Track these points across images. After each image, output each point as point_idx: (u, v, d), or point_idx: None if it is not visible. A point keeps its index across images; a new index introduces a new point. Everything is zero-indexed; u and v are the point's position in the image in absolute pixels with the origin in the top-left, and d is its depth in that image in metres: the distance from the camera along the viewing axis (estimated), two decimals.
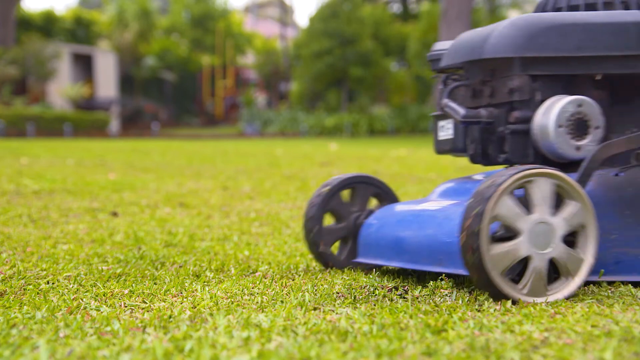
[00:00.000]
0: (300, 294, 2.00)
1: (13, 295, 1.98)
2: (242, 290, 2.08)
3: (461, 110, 2.22)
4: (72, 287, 2.11)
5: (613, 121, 2.28)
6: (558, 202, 1.97)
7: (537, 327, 1.62)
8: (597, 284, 2.10)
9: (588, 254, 1.98)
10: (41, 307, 1.82)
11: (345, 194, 2.55)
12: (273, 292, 2.06)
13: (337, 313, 1.77)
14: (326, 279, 2.27)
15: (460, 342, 1.50)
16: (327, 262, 2.49)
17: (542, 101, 2.17)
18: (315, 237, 2.46)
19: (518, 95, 2.17)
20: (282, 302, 1.91)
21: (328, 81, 30.04)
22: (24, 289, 2.07)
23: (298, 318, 1.71)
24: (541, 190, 1.91)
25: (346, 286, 2.13)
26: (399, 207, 2.43)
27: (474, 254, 1.84)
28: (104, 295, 2.00)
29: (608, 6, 2.32)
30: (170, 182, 6.32)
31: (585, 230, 1.98)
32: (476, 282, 1.89)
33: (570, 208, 1.95)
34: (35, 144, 15.66)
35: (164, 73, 34.62)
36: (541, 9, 2.40)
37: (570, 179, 1.95)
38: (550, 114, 2.11)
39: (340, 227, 2.52)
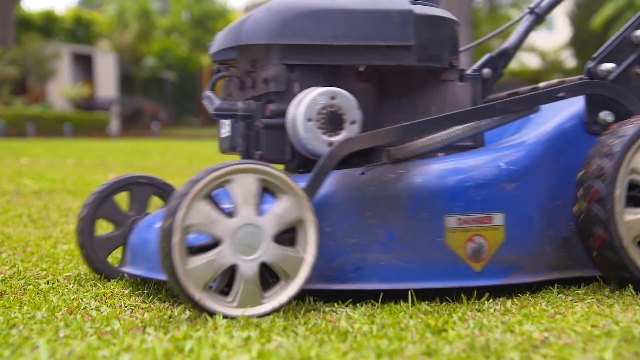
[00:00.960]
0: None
1: (13, 295, 1.98)
2: None
3: (216, 102, 2.02)
4: (72, 287, 2.11)
5: (382, 116, 2.11)
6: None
7: (537, 327, 1.62)
8: (598, 283, 2.10)
9: (308, 252, 1.76)
10: (41, 307, 1.82)
11: (124, 199, 2.30)
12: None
13: (337, 313, 1.77)
14: None
15: (460, 342, 1.50)
16: (96, 268, 2.22)
17: None
18: (83, 241, 2.21)
19: (274, 86, 1.96)
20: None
21: None
22: (24, 289, 2.06)
23: (298, 318, 1.71)
24: (243, 189, 1.71)
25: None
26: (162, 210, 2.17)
27: (171, 272, 1.64)
28: (104, 295, 2.00)
29: None
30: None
31: (303, 226, 1.76)
32: (181, 299, 1.71)
33: (282, 204, 1.74)
34: (35, 144, 15.67)
35: (164, 73, 34.64)
36: None
37: (277, 172, 1.73)
38: (300, 106, 1.89)
39: (117, 234, 2.24)
